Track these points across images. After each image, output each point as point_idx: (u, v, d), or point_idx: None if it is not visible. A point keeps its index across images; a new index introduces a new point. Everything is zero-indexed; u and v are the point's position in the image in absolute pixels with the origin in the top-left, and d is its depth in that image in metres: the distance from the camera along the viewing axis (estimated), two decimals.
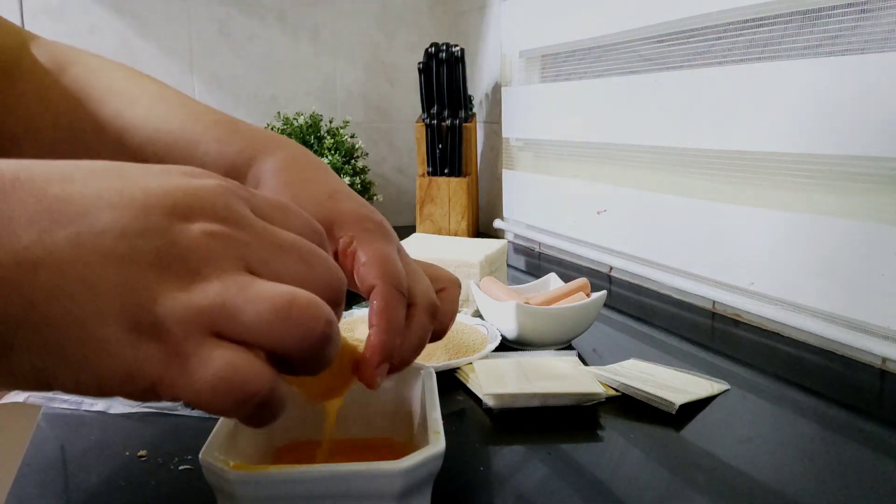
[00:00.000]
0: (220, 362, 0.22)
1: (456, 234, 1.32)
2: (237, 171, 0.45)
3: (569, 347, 0.70)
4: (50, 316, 0.21)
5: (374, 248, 0.38)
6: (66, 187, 0.22)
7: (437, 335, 0.41)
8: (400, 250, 0.40)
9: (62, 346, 0.21)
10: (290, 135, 1.34)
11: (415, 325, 0.37)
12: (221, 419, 0.37)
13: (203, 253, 0.23)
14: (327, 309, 0.24)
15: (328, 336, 0.23)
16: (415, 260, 0.42)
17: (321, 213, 0.39)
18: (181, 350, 0.22)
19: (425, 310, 0.38)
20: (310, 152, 0.45)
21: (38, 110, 0.50)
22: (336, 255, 0.39)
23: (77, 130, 0.49)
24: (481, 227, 1.44)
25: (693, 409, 0.55)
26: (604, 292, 0.70)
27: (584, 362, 0.64)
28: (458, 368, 0.62)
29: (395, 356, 0.36)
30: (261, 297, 0.23)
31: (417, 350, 0.38)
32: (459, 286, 0.44)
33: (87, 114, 0.49)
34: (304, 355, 0.24)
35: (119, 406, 0.55)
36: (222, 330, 0.22)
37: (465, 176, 1.33)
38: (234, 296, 0.23)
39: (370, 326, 0.36)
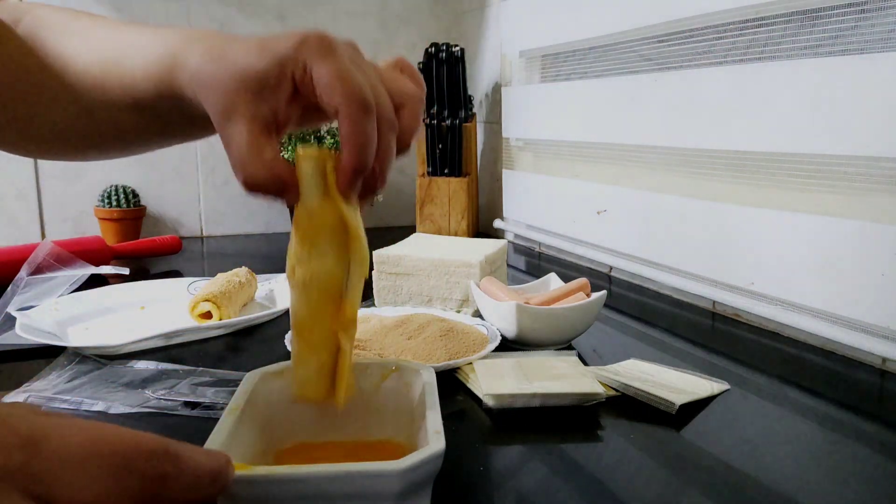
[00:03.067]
0: None
1: (456, 234, 1.32)
2: (164, 82, 0.43)
3: (569, 347, 0.70)
4: None
5: (327, 67, 0.37)
6: None
7: (400, 151, 0.40)
8: (354, 55, 0.39)
9: None
10: (289, 135, 1.34)
11: (380, 143, 0.38)
12: (221, 420, 0.37)
13: None
14: None
15: None
16: (373, 64, 0.41)
17: (261, 65, 0.38)
18: None
19: (387, 128, 0.38)
20: (229, 35, 0.43)
21: None
22: (297, 90, 0.38)
23: (27, 74, 0.50)
24: (481, 227, 1.44)
25: (693, 409, 0.55)
26: (604, 292, 0.70)
27: (584, 362, 0.64)
28: (458, 368, 0.62)
29: (369, 173, 0.38)
30: None
31: (386, 166, 0.39)
32: (422, 100, 0.42)
33: (35, 57, 0.50)
34: None
35: (119, 406, 0.55)
36: None
37: (465, 176, 1.33)
38: None
39: (342, 146, 0.37)
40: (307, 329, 0.39)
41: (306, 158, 0.38)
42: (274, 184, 0.37)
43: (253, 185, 0.37)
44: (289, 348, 0.64)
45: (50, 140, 0.54)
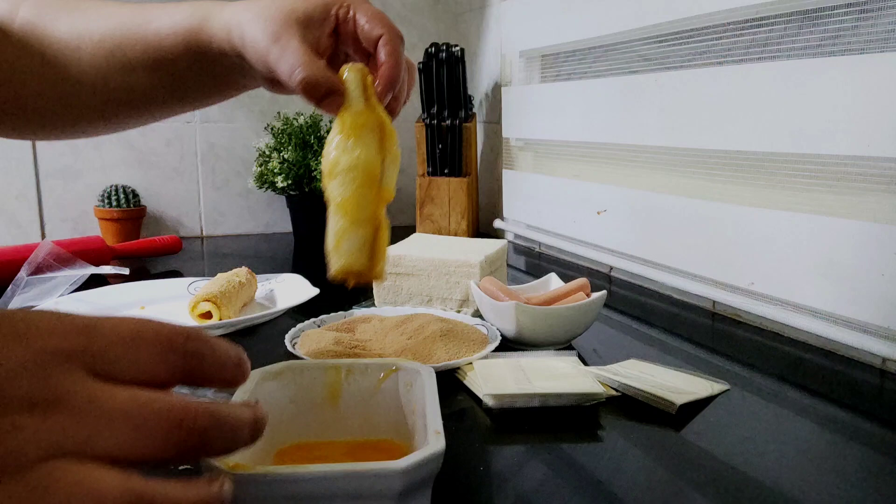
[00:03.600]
0: None
1: (456, 234, 1.32)
2: (193, 34, 0.49)
3: (569, 347, 0.70)
4: None
5: (370, 9, 0.49)
6: None
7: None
8: None
9: None
10: (290, 135, 1.34)
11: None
12: None
13: (7, 449, 0.23)
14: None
15: None
16: None
17: (308, 5, 0.47)
18: None
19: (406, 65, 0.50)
20: None
21: None
22: (338, 28, 0.49)
23: (28, 66, 0.52)
24: (481, 227, 1.44)
25: (693, 409, 0.55)
26: (604, 292, 0.70)
27: (584, 362, 0.64)
28: (458, 368, 0.62)
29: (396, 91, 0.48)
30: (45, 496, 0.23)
31: (403, 92, 0.50)
32: (415, 74, 0.54)
33: (34, 49, 0.52)
34: None
35: None
36: None
37: (465, 176, 1.33)
38: (25, 493, 0.23)
39: (379, 65, 0.47)
40: (352, 207, 0.46)
41: (352, 71, 0.47)
42: (329, 83, 0.45)
43: (312, 83, 0.45)
44: (289, 348, 0.64)
45: (57, 116, 0.55)
